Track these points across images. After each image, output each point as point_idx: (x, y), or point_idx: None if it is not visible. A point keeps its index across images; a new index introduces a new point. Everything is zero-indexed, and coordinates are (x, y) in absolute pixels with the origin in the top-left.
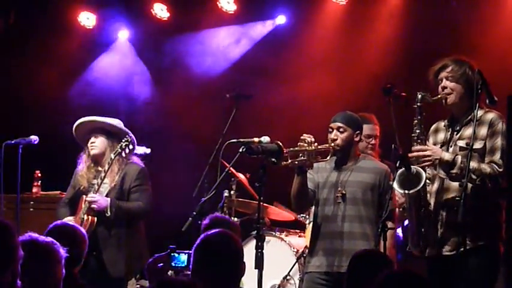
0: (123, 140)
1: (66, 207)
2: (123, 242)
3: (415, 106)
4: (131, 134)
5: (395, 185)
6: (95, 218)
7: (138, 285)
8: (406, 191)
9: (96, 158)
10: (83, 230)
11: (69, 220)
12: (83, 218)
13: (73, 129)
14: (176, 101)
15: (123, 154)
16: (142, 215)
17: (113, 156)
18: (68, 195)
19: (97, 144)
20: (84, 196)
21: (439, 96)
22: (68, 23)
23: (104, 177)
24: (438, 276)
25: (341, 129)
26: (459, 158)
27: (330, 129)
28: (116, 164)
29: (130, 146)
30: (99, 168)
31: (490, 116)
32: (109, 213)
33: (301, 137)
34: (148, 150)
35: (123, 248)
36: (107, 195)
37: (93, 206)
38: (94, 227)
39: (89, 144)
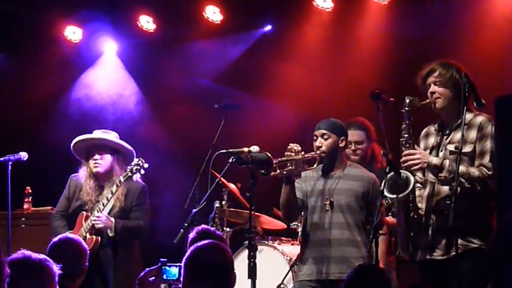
0: (134, 164)
1: (62, 220)
2: (123, 261)
3: (403, 110)
4: (140, 158)
5: (384, 190)
6: (99, 238)
7: None
8: (395, 196)
9: (99, 176)
10: (85, 245)
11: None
12: (85, 236)
13: (73, 143)
14: (164, 112)
15: (134, 178)
16: (142, 234)
17: (122, 179)
18: (61, 207)
19: (102, 162)
20: (84, 213)
21: (428, 100)
22: (54, 38)
23: (111, 198)
24: (430, 280)
25: (325, 136)
26: (447, 162)
27: (315, 137)
28: (123, 185)
29: (142, 171)
30: (103, 185)
31: (480, 119)
32: (113, 233)
33: (288, 147)
34: (145, 165)
35: (124, 265)
36: (109, 213)
37: (99, 225)
38: (97, 246)
39: (92, 162)
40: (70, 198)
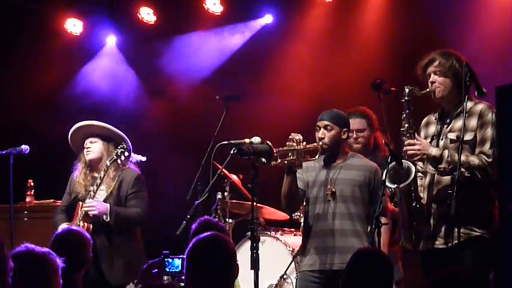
0: (119, 147)
1: (63, 214)
2: (122, 250)
3: (403, 100)
4: (127, 140)
5: (386, 180)
6: (91, 225)
7: None
8: (396, 186)
9: (92, 164)
10: (88, 234)
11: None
12: (79, 225)
13: (69, 136)
14: (165, 104)
15: (119, 161)
16: (140, 221)
17: (108, 163)
18: (64, 202)
19: (93, 149)
20: (80, 203)
21: (427, 90)
22: (55, 31)
23: (100, 183)
24: (432, 269)
25: (328, 128)
26: (446, 153)
27: (317, 128)
28: (111, 170)
29: (126, 153)
30: (95, 175)
31: (480, 107)
32: (108, 218)
33: (290, 136)
34: (144, 158)
35: (122, 255)
36: (104, 201)
37: (92, 212)
38: (89, 234)
39: (85, 150)
40: (70, 193)
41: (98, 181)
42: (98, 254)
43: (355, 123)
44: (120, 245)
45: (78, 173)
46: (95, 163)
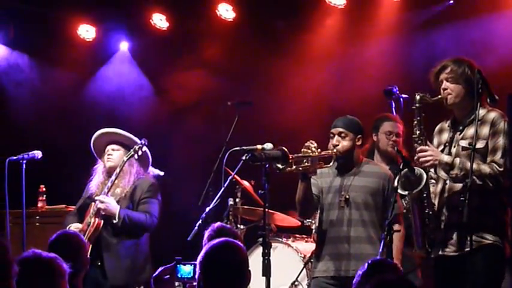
0: (136, 145)
1: (74, 217)
2: (127, 252)
3: (414, 107)
4: (144, 141)
5: (398, 187)
6: (102, 222)
7: None
8: (408, 192)
9: (111, 171)
10: (83, 237)
11: (76, 227)
12: (90, 222)
13: (92, 140)
14: (178, 110)
15: (136, 156)
16: (147, 226)
17: (125, 158)
18: (77, 206)
19: (114, 156)
20: (93, 203)
21: (439, 96)
22: (68, 36)
23: (115, 180)
24: (444, 276)
25: (342, 135)
26: (458, 160)
27: (332, 135)
28: (127, 168)
29: (144, 148)
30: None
31: (493, 115)
32: (117, 219)
33: (305, 144)
34: (161, 173)
35: (126, 257)
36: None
37: (101, 206)
38: (99, 231)
39: (106, 156)
40: (85, 197)
41: (113, 177)
42: (103, 251)
43: (396, 127)
44: (124, 247)
45: (97, 177)
46: (114, 170)
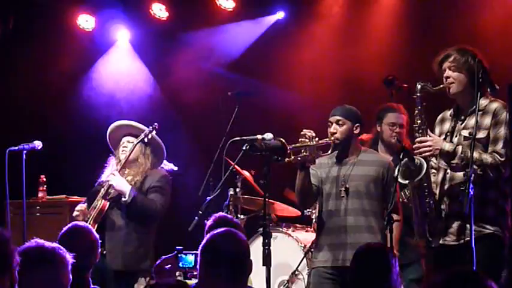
0: (148, 128)
1: (84, 204)
2: (130, 238)
3: (415, 96)
4: (163, 147)
5: (398, 176)
6: (107, 203)
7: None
8: (409, 181)
9: (126, 164)
10: (94, 232)
11: (80, 208)
12: (96, 205)
13: (108, 131)
14: (177, 100)
15: (146, 140)
16: (154, 214)
17: (135, 141)
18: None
19: (129, 149)
20: (102, 188)
21: (441, 86)
22: (67, 27)
23: (125, 163)
24: (444, 266)
25: (340, 122)
26: (460, 148)
27: (329, 123)
28: (143, 163)
29: (154, 132)
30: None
31: (495, 105)
32: (127, 197)
33: (302, 133)
34: (175, 168)
35: (128, 243)
36: None
37: (113, 181)
38: (104, 212)
39: (121, 148)
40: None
41: (123, 161)
42: (106, 232)
43: (399, 117)
44: (131, 233)
45: (109, 168)
46: (128, 163)
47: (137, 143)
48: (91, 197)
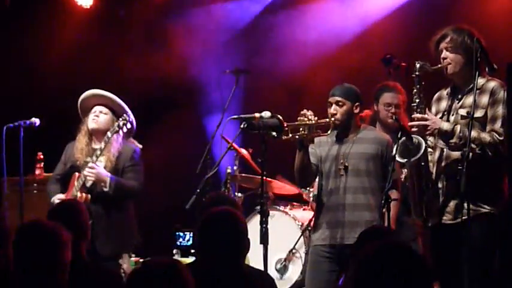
0: (121, 119)
1: (57, 184)
2: (115, 221)
3: (414, 75)
4: (130, 114)
5: (396, 155)
6: (89, 196)
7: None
8: (407, 160)
9: (94, 133)
10: (81, 203)
11: (60, 198)
12: (76, 196)
13: (79, 100)
14: (175, 76)
15: (120, 133)
16: (137, 194)
17: (109, 134)
18: (58, 171)
19: (100, 119)
20: (77, 173)
21: (439, 65)
22: (65, 4)
23: (100, 154)
24: (441, 244)
25: (340, 103)
26: (458, 128)
27: (329, 104)
28: (112, 143)
29: (128, 125)
30: (95, 146)
31: (492, 84)
32: (107, 188)
33: (301, 112)
34: (140, 146)
35: (116, 227)
36: None
37: (91, 175)
38: (87, 204)
39: (91, 116)
40: (65, 163)
41: (98, 152)
42: (92, 224)
43: (394, 98)
44: (112, 217)
45: (79, 141)
46: (97, 134)
47: (112, 136)
48: (63, 179)
